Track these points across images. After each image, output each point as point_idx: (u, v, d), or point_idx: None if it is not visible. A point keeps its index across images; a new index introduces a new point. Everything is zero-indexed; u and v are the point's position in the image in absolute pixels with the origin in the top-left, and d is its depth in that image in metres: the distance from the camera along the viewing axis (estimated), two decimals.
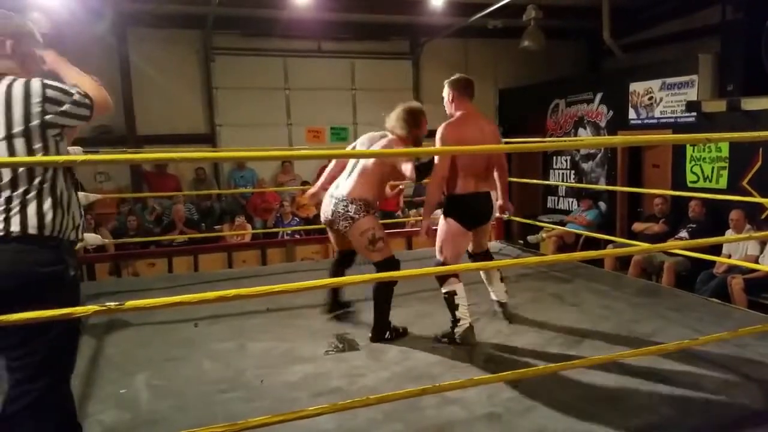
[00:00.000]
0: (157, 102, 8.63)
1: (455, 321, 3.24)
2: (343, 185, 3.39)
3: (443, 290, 3.28)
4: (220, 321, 3.75)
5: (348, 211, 3.30)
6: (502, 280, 3.61)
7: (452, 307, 3.25)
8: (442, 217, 3.37)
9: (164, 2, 7.79)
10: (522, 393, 2.60)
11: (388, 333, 3.35)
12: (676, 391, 2.61)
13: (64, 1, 6.48)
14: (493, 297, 3.63)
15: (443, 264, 3.31)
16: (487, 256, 3.68)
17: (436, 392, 2.37)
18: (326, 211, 3.43)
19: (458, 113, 3.36)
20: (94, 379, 2.93)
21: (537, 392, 2.61)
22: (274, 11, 8.11)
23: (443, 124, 3.29)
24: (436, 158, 3.19)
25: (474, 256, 3.64)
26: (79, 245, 4.74)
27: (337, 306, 3.81)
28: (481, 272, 3.64)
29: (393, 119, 3.43)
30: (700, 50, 7.13)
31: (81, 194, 4.80)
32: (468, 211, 3.32)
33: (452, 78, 3.44)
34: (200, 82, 9.04)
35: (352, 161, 3.48)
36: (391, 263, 3.34)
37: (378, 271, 3.30)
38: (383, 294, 3.34)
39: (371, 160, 3.38)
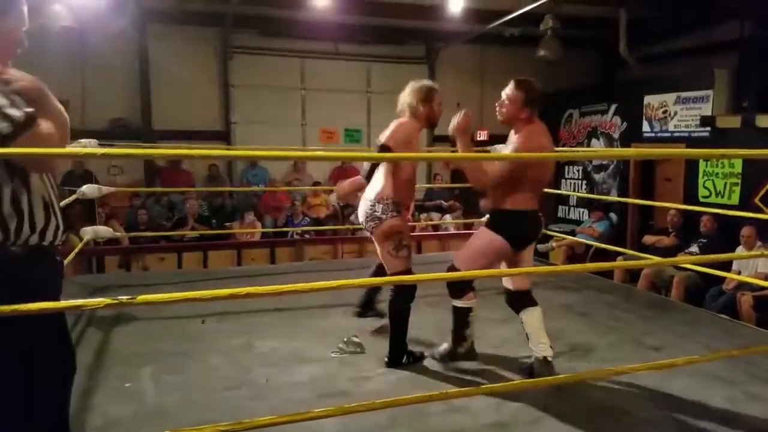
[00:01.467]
0: (173, 98, 8.68)
1: (462, 338, 3.01)
2: (372, 185, 3.12)
3: (459, 304, 2.98)
4: (227, 318, 3.76)
5: (375, 211, 3.02)
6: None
7: (462, 324, 2.99)
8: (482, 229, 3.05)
9: (186, 0, 7.85)
10: (529, 403, 2.59)
11: (405, 357, 3.08)
12: (683, 407, 2.59)
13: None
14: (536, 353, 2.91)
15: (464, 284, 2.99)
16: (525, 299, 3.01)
17: (443, 399, 2.37)
18: (359, 214, 3.19)
19: (535, 122, 3.03)
20: (99, 372, 2.95)
21: (544, 403, 2.60)
22: (292, 12, 8.15)
23: (525, 131, 2.98)
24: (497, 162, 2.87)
25: (512, 294, 3.04)
26: (88, 237, 4.81)
27: (369, 308, 3.69)
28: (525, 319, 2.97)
29: (402, 98, 3.13)
30: (716, 65, 7.09)
31: (94, 186, 4.89)
32: (519, 228, 2.93)
33: (529, 81, 3.08)
34: (217, 79, 9.09)
35: None
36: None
37: (392, 284, 3.11)
38: (396, 310, 3.05)
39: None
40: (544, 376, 2.67)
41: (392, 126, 3.08)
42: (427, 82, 3.18)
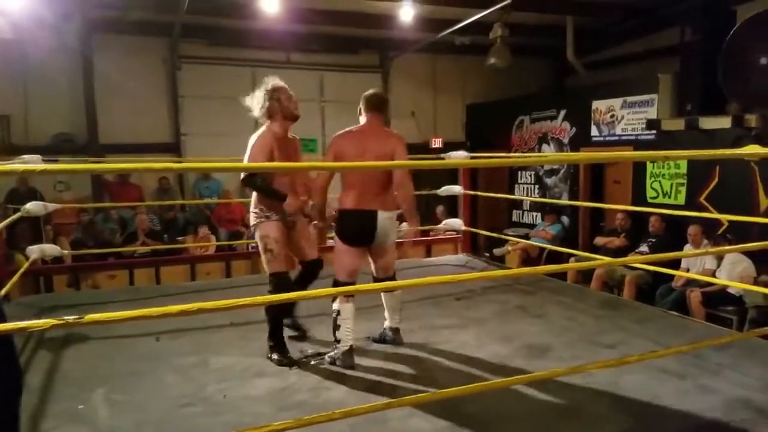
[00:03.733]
0: (120, 110, 8.46)
1: (336, 341, 3.17)
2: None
3: (333, 306, 3.20)
4: (182, 335, 3.66)
5: (250, 220, 3.41)
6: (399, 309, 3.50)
7: (334, 326, 3.17)
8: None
9: (131, 9, 7.67)
10: (486, 405, 2.61)
11: (276, 356, 3.22)
12: (637, 402, 2.66)
13: (27, 6, 6.31)
14: (387, 324, 3.51)
15: (336, 280, 3.29)
16: (390, 281, 3.39)
17: (401, 406, 2.36)
18: None
19: (353, 127, 3.35)
20: (49, 395, 2.83)
21: (501, 404, 2.62)
22: (242, 21, 8.07)
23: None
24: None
25: (377, 281, 3.42)
26: (34, 256, 4.63)
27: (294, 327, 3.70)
28: (382, 295, 3.44)
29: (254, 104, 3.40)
30: (660, 70, 7.37)
31: (39, 203, 4.71)
32: (345, 227, 3.27)
33: (365, 93, 3.40)
34: (166, 90, 8.91)
35: None
36: (278, 278, 3.30)
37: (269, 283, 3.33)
38: (271, 308, 3.26)
39: None
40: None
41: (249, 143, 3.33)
42: (270, 85, 3.40)
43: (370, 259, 3.42)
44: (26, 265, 4.62)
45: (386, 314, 3.51)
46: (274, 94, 3.35)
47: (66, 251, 5.84)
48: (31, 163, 4.06)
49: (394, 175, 3.28)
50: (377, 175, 3.22)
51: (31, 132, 7.92)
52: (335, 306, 3.18)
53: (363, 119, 3.35)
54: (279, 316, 3.32)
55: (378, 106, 3.33)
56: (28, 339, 3.49)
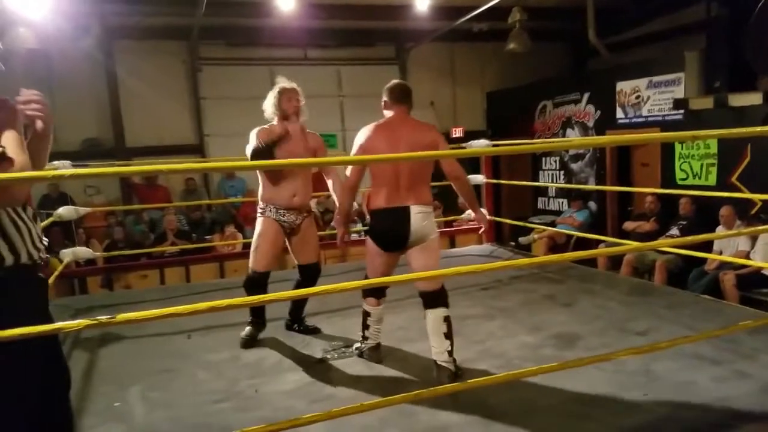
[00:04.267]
0: (144, 114, 8.60)
1: (364, 338, 3.17)
2: None
3: (363, 306, 3.16)
4: (213, 331, 3.73)
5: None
6: (447, 336, 2.87)
7: (363, 325, 3.16)
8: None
9: (149, 14, 7.78)
10: (517, 395, 2.60)
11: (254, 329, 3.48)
12: (670, 389, 2.61)
13: (49, 17, 6.45)
14: (435, 358, 2.90)
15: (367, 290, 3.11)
16: (428, 298, 2.92)
17: (431, 396, 2.37)
18: None
19: (380, 120, 3.10)
20: (87, 393, 2.90)
21: (531, 394, 2.61)
22: (259, 20, 8.11)
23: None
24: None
25: (421, 296, 2.96)
26: (68, 259, 4.75)
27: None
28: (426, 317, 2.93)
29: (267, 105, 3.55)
30: (686, 48, 7.18)
31: (70, 208, 4.83)
32: (375, 229, 2.99)
33: (387, 85, 3.17)
34: (187, 92, 9.02)
35: None
36: (251, 276, 3.42)
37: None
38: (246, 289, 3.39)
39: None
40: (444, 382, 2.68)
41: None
42: (279, 85, 3.52)
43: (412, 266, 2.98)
44: (60, 267, 4.74)
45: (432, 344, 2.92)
46: (277, 96, 3.50)
47: (98, 253, 5.98)
48: (61, 168, 4.16)
49: (444, 167, 2.97)
50: (410, 169, 2.88)
51: (61, 139, 8.08)
52: (365, 307, 3.13)
53: (389, 113, 3.08)
54: (251, 294, 3.30)
55: (403, 96, 3.07)
56: (65, 339, 3.58)
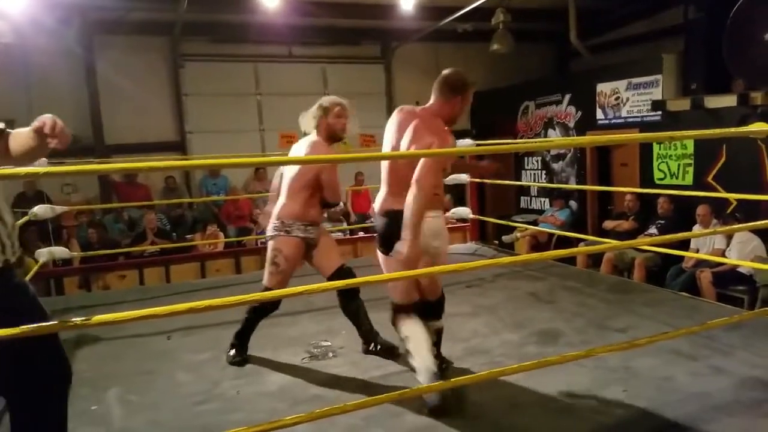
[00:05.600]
0: (125, 110, 8.47)
1: (414, 371, 2.62)
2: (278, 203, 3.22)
3: (400, 333, 2.73)
4: (194, 332, 3.69)
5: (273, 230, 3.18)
6: (436, 345, 2.76)
7: (407, 354, 2.68)
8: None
9: (131, 9, 7.67)
10: (500, 393, 2.62)
11: (234, 352, 3.20)
12: (649, 384, 2.65)
13: (27, 10, 6.33)
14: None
15: (396, 305, 2.73)
16: (425, 307, 2.75)
17: (415, 396, 2.37)
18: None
19: (409, 107, 2.83)
20: None
21: (514, 391, 2.63)
22: (243, 16, 8.05)
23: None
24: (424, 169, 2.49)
25: (424, 305, 2.78)
26: (43, 259, 4.67)
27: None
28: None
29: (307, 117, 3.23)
30: (664, 50, 7.29)
31: (46, 206, 4.74)
32: (377, 231, 2.77)
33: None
34: (169, 89, 8.91)
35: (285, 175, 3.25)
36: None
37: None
38: (249, 311, 3.18)
39: (295, 173, 3.15)
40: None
41: (304, 148, 3.14)
42: (325, 98, 3.24)
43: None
44: (36, 267, 4.66)
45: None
46: (328, 110, 3.17)
47: (75, 253, 5.88)
48: (38, 166, 4.08)
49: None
50: (403, 169, 2.61)
51: None
52: (403, 332, 2.68)
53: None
54: (255, 318, 3.19)
55: (444, 91, 2.70)
56: None
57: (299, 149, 3.21)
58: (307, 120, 3.22)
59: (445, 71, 2.77)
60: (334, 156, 3.32)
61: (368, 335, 3.24)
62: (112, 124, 8.42)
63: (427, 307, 2.76)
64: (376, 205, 2.77)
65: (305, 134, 3.27)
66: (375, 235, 2.86)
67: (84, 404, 2.76)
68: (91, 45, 8.23)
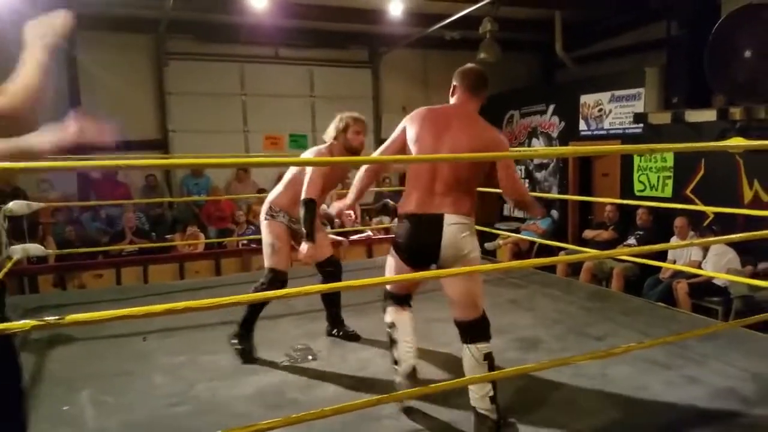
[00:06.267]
0: (106, 107, 8.31)
1: (395, 362, 2.58)
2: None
3: (385, 319, 2.66)
4: (171, 334, 3.64)
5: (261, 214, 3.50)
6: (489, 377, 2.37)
7: (391, 343, 2.60)
8: None
9: (116, 6, 7.58)
10: None
11: (237, 341, 3.27)
12: (625, 392, 2.68)
13: (7, 3, 6.21)
14: (473, 404, 2.40)
15: (388, 294, 2.66)
16: (464, 329, 2.46)
17: (394, 401, 2.36)
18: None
19: (439, 106, 2.64)
20: (34, 396, 2.78)
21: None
22: (230, 16, 7.99)
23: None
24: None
25: (458, 325, 2.50)
26: (17, 257, 4.57)
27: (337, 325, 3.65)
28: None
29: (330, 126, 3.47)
30: (647, 64, 7.39)
31: (21, 202, 4.64)
32: (400, 236, 2.50)
33: (461, 67, 2.67)
34: (153, 87, 8.81)
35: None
36: (275, 274, 3.30)
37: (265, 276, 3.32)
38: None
39: (289, 171, 3.51)
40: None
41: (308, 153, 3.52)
42: (348, 113, 3.43)
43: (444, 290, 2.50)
44: (9, 265, 4.56)
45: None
46: (347, 123, 3.38)
47: (51, 251, 5.78)
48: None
49: (500, 178, 2.50)
50: (452, 170, 2.42)
51: None
52: (388, 318, 2.62)
53: (454, 100, 2.60)
54: (257, 307, 3.29)
55: (477, 86, 2.55)
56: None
57: (307, 153, 3.60)
58: (329, 129, 3.44)
59: (470, 65, 2.64)
60: (323, 159, 3.40)
61: (335, 320, 3.59)
62: (94, 121, 8.30)
63: (464, 328, 2.46)
64: (415, 208, 2.43)
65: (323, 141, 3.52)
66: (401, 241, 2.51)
67: (57, 405, 2.71)
68: (74, 41, 8.11)
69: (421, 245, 2.42)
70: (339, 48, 9.66)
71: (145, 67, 8.74)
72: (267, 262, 3.37)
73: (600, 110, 7.83)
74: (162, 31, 8.25)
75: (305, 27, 8.84)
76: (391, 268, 2.58)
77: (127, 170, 8.48)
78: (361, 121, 3.40)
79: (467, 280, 2.39)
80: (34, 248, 4.75)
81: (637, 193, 7.26)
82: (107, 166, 5.19)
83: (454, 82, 2.60)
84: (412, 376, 2.52)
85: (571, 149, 7.81)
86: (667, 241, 5.99)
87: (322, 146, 3.47)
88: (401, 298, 2.64)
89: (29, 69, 1.57)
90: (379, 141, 9.71)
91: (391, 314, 2.62)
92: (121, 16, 7.91)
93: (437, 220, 2.37)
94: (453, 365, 3.06)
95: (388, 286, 2.69)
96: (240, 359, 3.19)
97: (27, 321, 1.56)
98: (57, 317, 1.57)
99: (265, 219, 3.43)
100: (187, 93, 8.82)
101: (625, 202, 6.42)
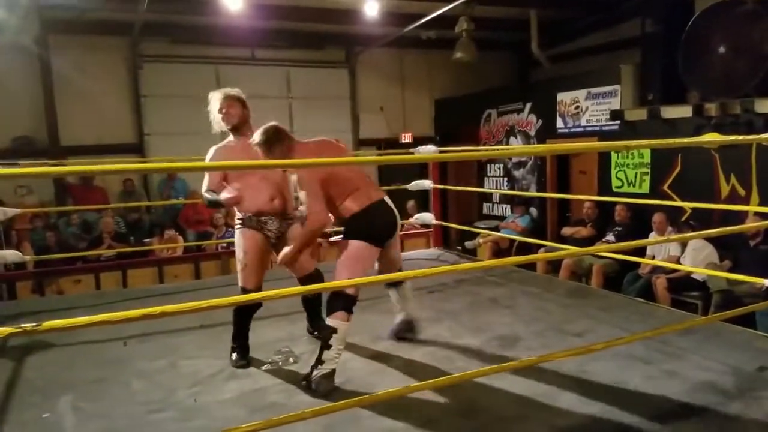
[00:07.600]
0: (82, 111, 8.25)
1: (319, 361, 2.80)
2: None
3: (328, 321, 2.83)
4: (151, 339, 3.60)
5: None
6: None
7: (325, 345, 2.80)
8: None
9: (88, 8, 7.48)
10: (459, 396, 2.63)
11: (235, 355, 3.22)
12: (604, 388, 2.70)
13: None
14: (401, 317, 3.42)
15: (348, 294, 2.84)
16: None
17: (373, 402, 2.36)
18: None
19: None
20: (11, 404, 2.75)
21: (474, 394, 2.64)
22: (205, 18, 7.93)
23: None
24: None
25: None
26: None
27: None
28: (392, 292, 3.37)
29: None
30: (623, 61, 7.49)
31: None
32: (370, 224, 2.97)
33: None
34: (128, 90, 8.72)
35: None
36: (244, 293, 3.13)
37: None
38: (234, 312, 3.22)
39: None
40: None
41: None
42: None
43: (384, 259, 3.14)
44: None
45: (398, 306, 3.39)
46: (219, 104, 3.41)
47: (28, 257, 5.68)
48: None
49: None
50: (363, 171, 3.15)
51: None
52: (331, 322, 2.81)
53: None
54: (243, 320, 3.24)
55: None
56: None
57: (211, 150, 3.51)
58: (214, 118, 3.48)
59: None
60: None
61: (317, 322, 3.45)
62: (68, 125, 8.19)
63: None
64: (368, 199, 2.96)
65: None
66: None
67: (35, 412, 2.67)
68: (47, 44, 7.99)
69: (391, 222, 3.04)
70: (315, 48, 9.65)
71: (119, 70, 8.65)
72: (238, 278, 3.26)
73: (577, 108, 7.92)
74: (136, 34, 8.17)
75: (281, 28, 8.81)
76: (361, 260, 2.91)
77: (103, 175, 8.36)
78: (228, 96, 3.36)
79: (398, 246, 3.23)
80: (11, 255, 4.66)
81: (615, 190, 7.35)
82: (83, 171, 5.13)
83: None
84: (332, 377, 2.81)
85: (549, 147, 7.90)
86: (646, 236, 6.08)
87: (225, 142, 3.41)
88: (354, 302, 2.88)
89: None
90: (357, 141, 9.74)
91: (338, 320, 2.82)
92: (95, 19, 7.82)
93: (386, 202, 3.04)
94: (434, 365, 3.08)
95: (351, 290, 2.84)
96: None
97: (4, 328, 1.54)
98: (34, 324, 1.56)
99: (237, 227, 3.28)
100: (163, 96, 8.74)
101: (603, 198, 6.52)
